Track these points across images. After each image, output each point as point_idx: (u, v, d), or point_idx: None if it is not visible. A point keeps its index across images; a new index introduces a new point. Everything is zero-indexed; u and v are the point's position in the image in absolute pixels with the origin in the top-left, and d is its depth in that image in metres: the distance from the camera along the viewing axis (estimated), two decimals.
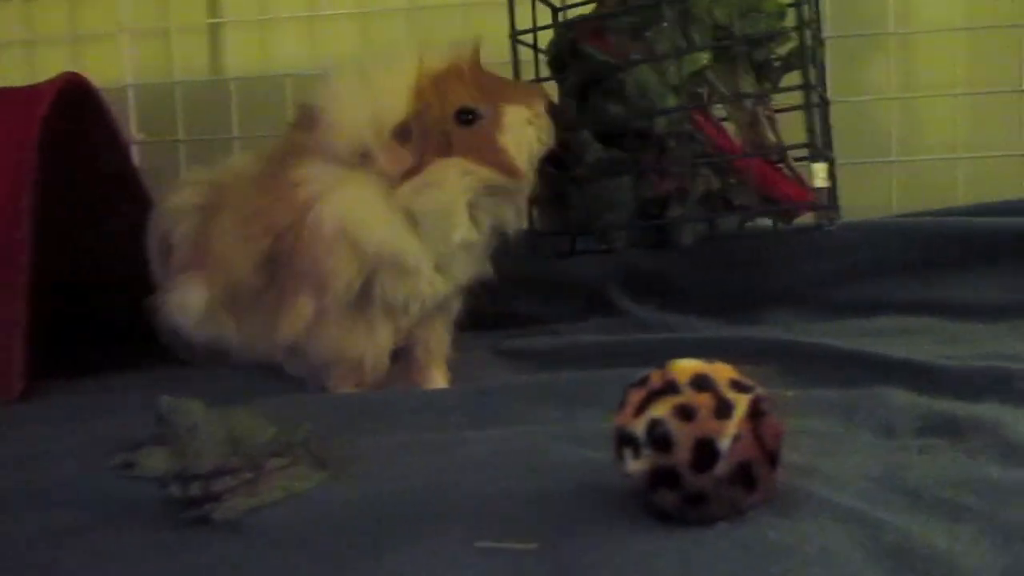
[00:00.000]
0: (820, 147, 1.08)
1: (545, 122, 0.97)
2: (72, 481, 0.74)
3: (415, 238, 0.96)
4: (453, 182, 0.94)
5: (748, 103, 1.06)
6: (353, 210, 0.94)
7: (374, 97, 0.93)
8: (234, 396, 1.01)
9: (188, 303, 1.07)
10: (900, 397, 0.81)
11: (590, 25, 1.11)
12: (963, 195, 1.43)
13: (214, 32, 1.66)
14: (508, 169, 0.95)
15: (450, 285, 1.01)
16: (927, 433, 0.72)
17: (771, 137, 1.07)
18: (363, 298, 0.98)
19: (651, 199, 1.08)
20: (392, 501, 0.63)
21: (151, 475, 0.73)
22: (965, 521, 0.54)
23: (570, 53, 1.12)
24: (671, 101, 1.04)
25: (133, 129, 1.57)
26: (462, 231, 0.96)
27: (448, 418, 0.87)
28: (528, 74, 1.16)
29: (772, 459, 0.56)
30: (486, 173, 0.95)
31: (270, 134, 1.54)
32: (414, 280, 0.97)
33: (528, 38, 1.16)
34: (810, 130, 1.04)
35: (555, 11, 1.16)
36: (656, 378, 0.57)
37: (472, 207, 0.97)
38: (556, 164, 1.05)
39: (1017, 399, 0.78)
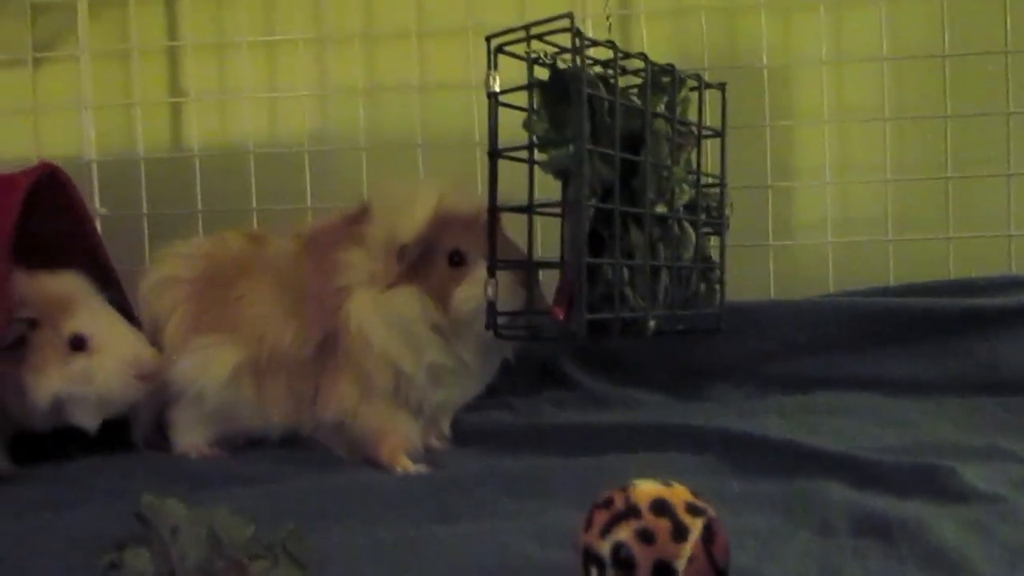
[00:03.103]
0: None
1: (504, 288, 1.06)
2: None
3: (409, 349, 1.10)
4: (409, 307, 1.09)
5: None
6: (368, 312, 1.09)
7: (401, 215, 1.10)
8: (205, 482, 1.05)
9: (212, 365, 1.14)
10: (837, 492, 0.88)
11: None
12: (895, 275, 1.52)
13: (176, 107, 1.69)
14: (458, 312, 1.09)
15: (471, 391, 1.18)
16: (861, 534, 0.79)
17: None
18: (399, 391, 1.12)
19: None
20: None
21: None
22: None
23: None
24: None
25: (96, 203, 1.60)
26: (420, 352, 1.09)
27: (419, 510, 0.92)
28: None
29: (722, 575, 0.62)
30: (433, 312, 1.09)
31: (232, 207, 1.61)
32: (442, 386, 1.13)
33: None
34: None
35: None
36: (619, 500, 0.63)
37: (438, 332, 1.09)
38: None
39: (942, 497, 0.85)
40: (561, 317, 1.03)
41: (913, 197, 1.56)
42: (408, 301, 1.09)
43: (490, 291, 1.03)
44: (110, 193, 1.63)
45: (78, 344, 1.12)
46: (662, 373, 1.46)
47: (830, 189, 1.57)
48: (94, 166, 1.62)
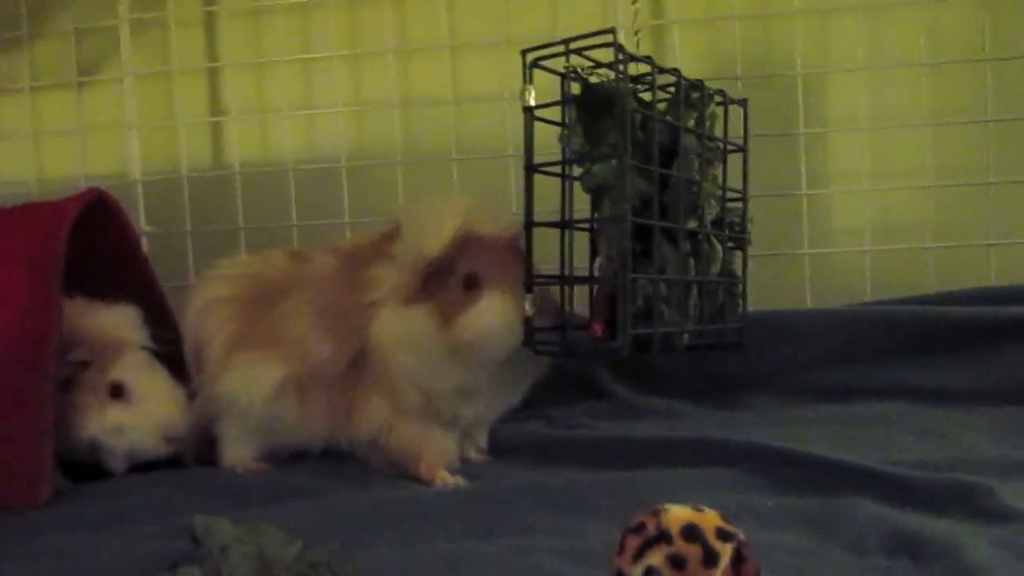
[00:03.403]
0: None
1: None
2: None
3: (427, 369, 1.10)
4: (422, 326, 1.09)
5: None
6: (389, 331, 1.10)
7: (426, 231, 1.09)
8: (250, 498, 1.08)
9: (256, 381, 1.17)
10: (870, 509, 0.88)
11: None
12: (934, 282, 1.50)
13: (216, 125, 1.73)
14: (459, 339, 1.08)
15: (504, 405, 1.18)
16: (894, 552, 0.79)
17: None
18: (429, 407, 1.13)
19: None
20: None
21: None
22: None
23: None
24: None
25: (142, 221, 1.64)
26: (439, 372, 1.10)
27: (456, 526, 0.93)
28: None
29: None
30: (445, 334, 1.08)
31: (272, 223, 1.64)
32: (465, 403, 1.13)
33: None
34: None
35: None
36: (651, 525, 0.64)
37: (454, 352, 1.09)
38: None
39: (978, 516, 0.85)
40: (599, 333, 1.04)
41: (952, 204, 1.54)
42: (421, 320, 1.09)
43: (527, 307, 1.05)
44: (155, 211, 1.67)
45: (117, 392, 1.17)
46: (697, 384, 1.46)
47: (867, 196, 1.56)
48: (139, 185, 1.66)
